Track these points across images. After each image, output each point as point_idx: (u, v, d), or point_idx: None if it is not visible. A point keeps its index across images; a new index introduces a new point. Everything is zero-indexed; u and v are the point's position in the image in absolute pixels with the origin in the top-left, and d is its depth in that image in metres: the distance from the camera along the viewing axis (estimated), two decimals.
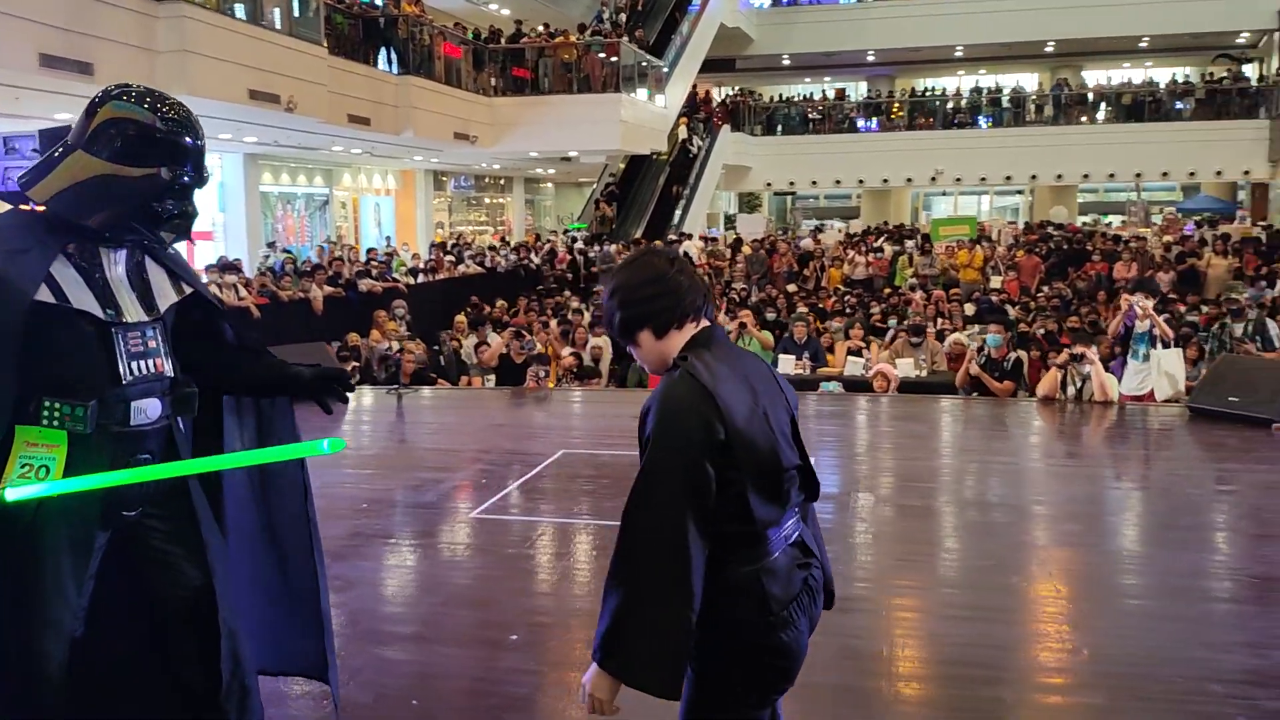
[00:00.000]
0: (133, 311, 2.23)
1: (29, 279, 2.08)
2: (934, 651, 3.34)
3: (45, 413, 2.12)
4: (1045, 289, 14.93)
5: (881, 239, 19.41)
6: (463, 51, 18.34)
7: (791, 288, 16.27)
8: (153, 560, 2.31)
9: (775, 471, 1.98)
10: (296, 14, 13.56)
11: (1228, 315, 8.00)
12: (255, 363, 2.57)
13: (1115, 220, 27.32)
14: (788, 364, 9.21)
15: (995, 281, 15.72)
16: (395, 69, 16.58)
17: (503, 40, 19.71)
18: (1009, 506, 4.90)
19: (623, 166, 23.13)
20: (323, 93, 14.02)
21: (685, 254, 17.99)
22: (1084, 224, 24.79)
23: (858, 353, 9.33)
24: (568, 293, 16.12)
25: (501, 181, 26.53)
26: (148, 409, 2.23)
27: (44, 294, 2.10)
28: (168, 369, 2.29)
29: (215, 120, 12.81)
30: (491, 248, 18.86)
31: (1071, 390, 7.30)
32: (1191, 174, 25.64)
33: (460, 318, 13.13)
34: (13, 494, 2.05)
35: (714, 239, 18.79)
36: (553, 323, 11.96)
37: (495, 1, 23.19)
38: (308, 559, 2.68)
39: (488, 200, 26.58)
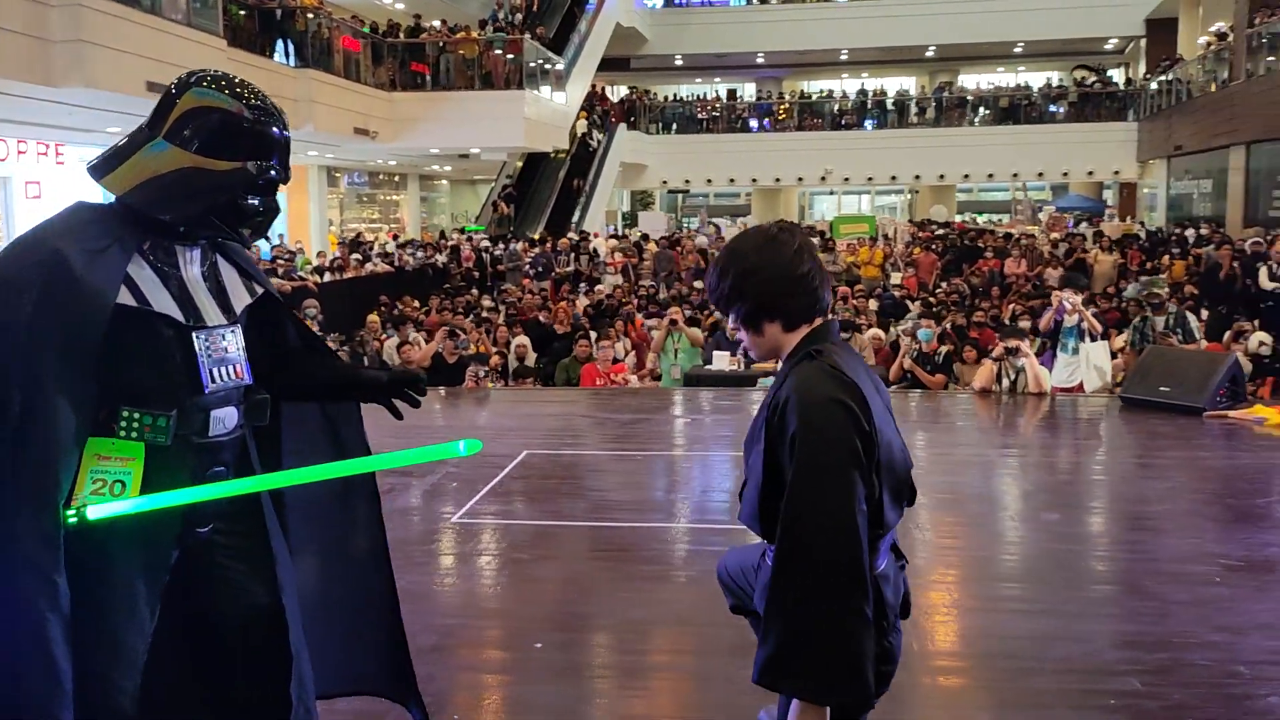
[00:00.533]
0: (211, 314, 2.09)
1: (110, 281, 1.94)
2: (971, 643, 3.46)
3: (123, 423, 1.98)
4: (943, 285, 15.45)
5: None
6: (361, 45, 17.95)
7: (698, 284, 16.45)
8: (217, 578, 2.17)
9: (905, 473, 1.96)
10: (195, 3, 13.07)
11: (1148, 309, 8.45)
12: (324, 365, 2.41)
13: (996, 218, 28.45)
14: (723, 360, 9.31)
15: (895, 278, 16.19)
16: (293, 62, 16.13)
17: (401, 35, 19.34)
18: (984, 498, 5.08)
19: (520, 165, 22.99)
20: None
21: (595, 250, 18.05)
22: (966, 221, 25.75)
23: None
24: (475, 291, 15.95)
25: (396, 178, 26.05)
26: (225, 418, 2.10)
27: (124, 296, 1.95)
28: (246, 375, 2.15)
29: (109, 114, 12.29)
30: (400, 245, 18.48)
31: (1006, 382, 7.61)
32: (1065, 174, 26.92)
33: (373, 317, 12.86)
34: (95, 511, 1.91)
35: (623, 236, 18.84)
36: (466, 322, 11.81)
37: None
38: (383, 570, 2.56)
39: (381, 197, 26.06)
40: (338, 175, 23.60)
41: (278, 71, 15.59)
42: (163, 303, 2.01)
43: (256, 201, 2.06)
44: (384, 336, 11.95)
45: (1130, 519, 4.58)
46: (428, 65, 19.23)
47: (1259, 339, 8.57)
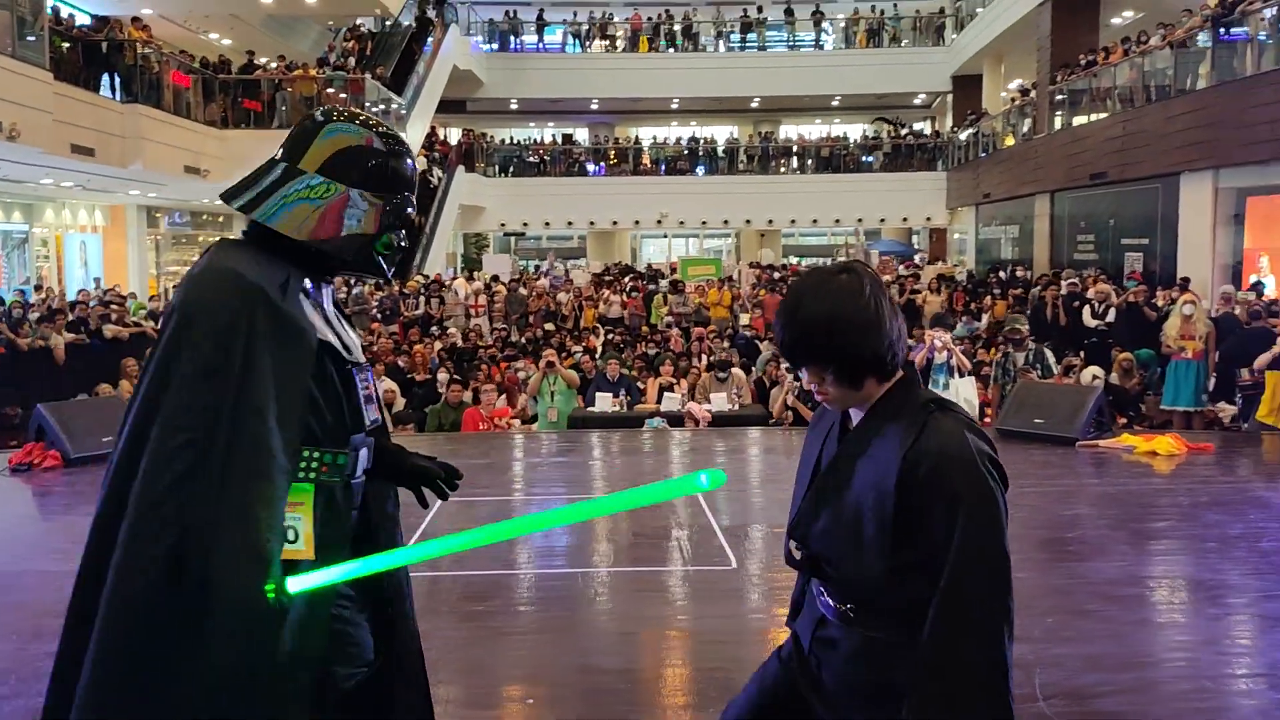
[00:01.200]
0: (355, 351, 2.04)
1: (304, 317, 1.87)
2: None
3: (302, 464, 1.86)
4: None
5: (628, 278, 20.08)
6: (192, 81, 17.18)
7: (549, 326, 16.46)
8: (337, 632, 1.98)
9: None
10: (19, 35, 12.24)
11: (1009, 345, 9.00)
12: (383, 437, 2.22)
13: (822, 261, 29.66)
14: (605, 401, 9.34)
15: (744, 319, 16.67)
16: (120, 96, 15.30)
17: (233, 70, 18.64)
18: None
19: None
20: (47, 120, 12.73)
21: (455, 291, 17.76)
22: (798, 264, 26.81)
23: (669, 388, 9.61)
24: None
25: (220, 219, 24.92)
26: (365, 459, 2.01)
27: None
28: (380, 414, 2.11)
29: None
30: None
31: None
32: (883, 220, 28.44)
33: None
34: (295, 584, 1.77)
35: (471, 278, 18.65)
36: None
37: (215, 31, 21.92)
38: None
39: (202, 238, 24.85)
40: (158, 215, 22.41)
41: (105, 107, 14.77)
42: (331, 339, 1.96)
43: (402, 235, 2.07)
44: None
45: (1050, 545, 4.85)
46: (261, 103, 18.61)
47: (1091, 373, 9.25)
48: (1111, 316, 13.27)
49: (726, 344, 14.56)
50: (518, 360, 13.35)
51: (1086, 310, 13.37)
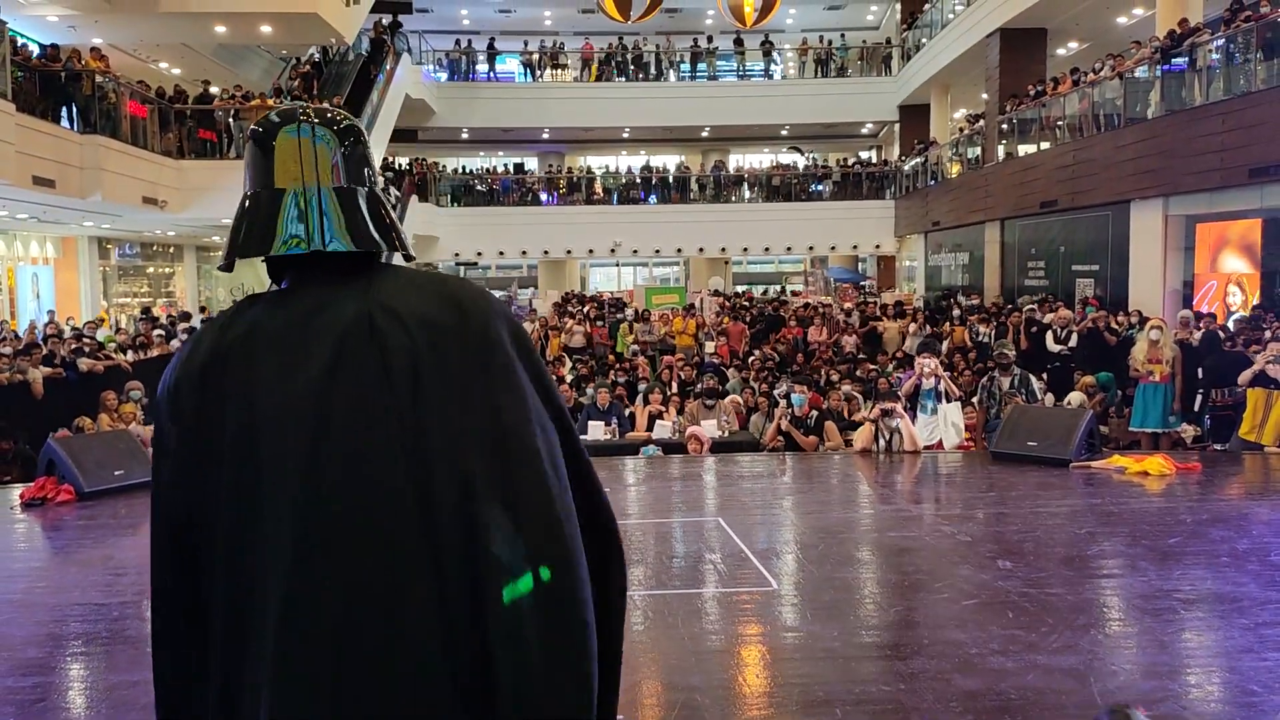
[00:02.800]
0: None
1: None
2: (1029, 682, 3.69)
3: None
4: (756, 352, 16.18)
5: (587, 306, 20.14)
6: (149, 111, 16.95)
7: None
8: None
9: None
10: None
11: (996, 369, 9.20)
12: None
13: (774, 288, 30.07)
14: (597, 429, 9.36)
15: (709, 346, 16.79)
16: (77, 127, 15.06)
17: (189, 100, 18.44)
18: (935, 551, 5.38)
19: None
20: (10, 151, 12.53)
21: None
22: (753, 291, 27.13)
23: (659, 416, 9.68)
24: None
25: (171, 249, 24.53)
26: None
27: None
28: None
29: None
30: (204, 321, 17.36)
31: (883, 442, 8.10)
32: (833, 247, 28.87)
33: None
34: None
35: None
36: None
37: (165, 60, 21.67)
38: None
39: (152, 269, 24.43)
40: (109, 246, 22.01)
41: (64, 137, 14.55)
42: None
43: None
44: None
45: (1075, 563, 4.99)
46: (216, 132, 18.43)
47: (1078, 397, 9.52)
48: (1073, 341, 13.61)
49: (695, 372, 14.71)
50: None
51: (1049, 335, 13.73)
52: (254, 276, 28.13)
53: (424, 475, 1.47)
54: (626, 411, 10.30)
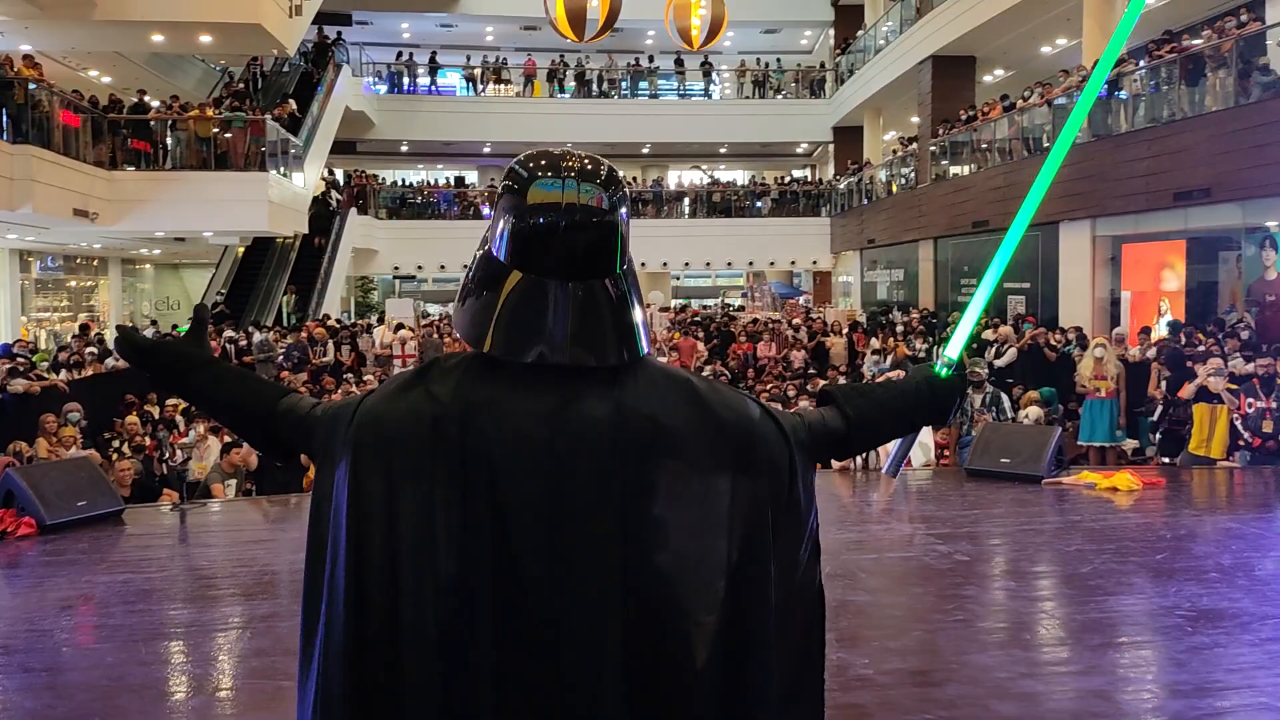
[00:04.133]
0: None
1: None
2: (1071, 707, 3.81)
3: None
4: (708, 368, 16.31)
5: None
6: (81, 120, 16.50)
7: None
8: None
9: None
10: None
11: (969, 387, 9.42)
12: None
13: (713, 302, 30.42)
14: None
15: (660, 362, 16.88)
16: (8, 137, 14.58)
17: (124, 109, 17.98)
18: (934, 571, 5.51)
19: (241, 251, 21.79)
20: None
21: (373, 338, 17.40)
22: (705, 307, 27.42)
23: None
24: None
25: (96, 262, 23.83)
26: None
27: None
28: None
29: None
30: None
31: (859, 460, 8.25)
32: (772, 263, 29.29)
33: (133, 419, 11.75)
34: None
35: (401, 324, 18.31)
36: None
37: (96, 68, 21.10)
38: None
39: (74, 283, 23.70)
40: (30, 260, 21.31)
41: None
42: None
43: None
44: (149, 440, 10.96)
45: (1073, 582, 5.16)
46: (150, 143, 18.00)
47: (1035, 413, 9.81)
48: (1012, 356, 14.01)
49: None
50: None
51: (990, 351, 14.12)
52: (180, 290, 27.55)
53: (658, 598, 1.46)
54: None
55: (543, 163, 1.52)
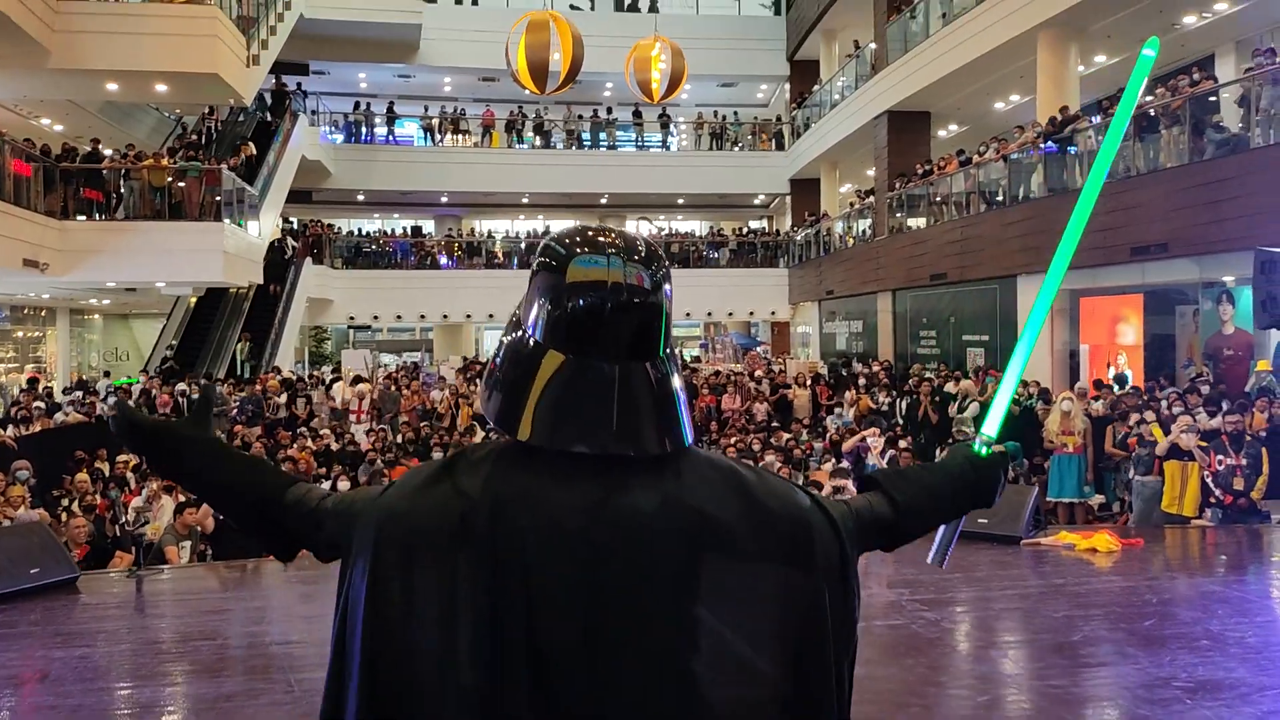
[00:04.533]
0: None
1: None
2: None
3: None
4: None
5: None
6: (33, 170, 16.17)
7: (424, 426, 16.08)
8: None
9: None
10: None
11: (956, 444, 9.33)
12: None
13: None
14: None
15: (701, 450, 16.72)
16: None
17: (79, 159, 17.66)
18: (924, 641, 5.39)
19: (193, 301, 21.40)
20: None
21: (330, 394, 17.07)
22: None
23: None
24: None
25: (44, 313, 23.29)
26: None
27: None
28: None
29: None
30: (91, 391, 16.45)
31: None
32: (730, 314, 29.37)
33: (83, 476, 11.37)
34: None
35: (360, 377, 17.99)
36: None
37: (48, 116, 20.77)
38: None
39: (21, 333, 23.14)
40: None
41: None
42: None
43: None
44: (100, 499, 10.60)
45: (1065, 651, 5.07)
46: (103, 192, 17.69)
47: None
48: (975, 410, 14.04)
49: None
50: (405, 462, 12.98)
51: (953, 407, 14.18)
52: (129, 340, 26.99)
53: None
54: None
55: (579, 239, 1.46)
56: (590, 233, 1.47)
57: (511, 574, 1.34)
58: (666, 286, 1.49)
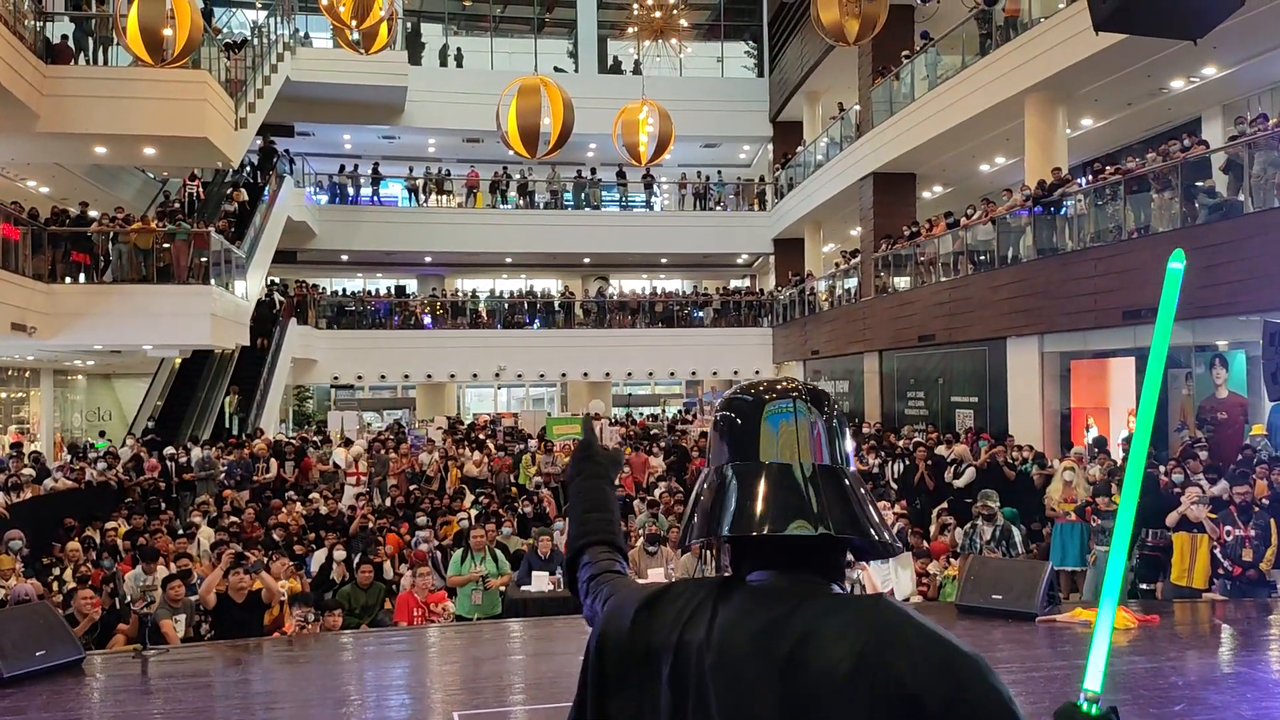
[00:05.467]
0: None
1: None
2: None
3: None
4: (661, 484, 16.05)
5: (481, 434, 19.77)
6: (21, 233, 16.05)
7: (413, 489, 15.89)
8: None
9: None
10: None
11: (980, 519, 9.34)
12: None
13: (657, 411, 30.35)
14: (541, 580, 9.03)
15: None
16: None
17: (68, 222, 17.56)
18: None
19: (178, 361, 21.21)
20: None
21: (335, 464, 16.85)
22: (646, 416, 27.28)
23: None
24: (170, 511, 14.25)
25: (28, 374, 23.00)
26: None
27: None
28: None
29: None
30: (80, 457, 16.18)
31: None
32: (715, 373, 29.37)
33: (74, 545, 11.14)
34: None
35: (350, 439, 17.81)
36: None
37: (34, 179, 20.67)
38: None
39: (3, 395, 22.81)
40: None
41: None
42: None
43: None
44: (94, 568, 10.40)
45: None
46: (91, 255, 17.59)
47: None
48: (971, 475, 13.98)
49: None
50: (396, 528, 12.78)
51: (949, 471, 14.13)
52: (112, 400, 26.65)
53: None
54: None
55: (764, 387, 1.55)
56: (772, 383, 1.59)
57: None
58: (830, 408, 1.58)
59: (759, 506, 1.43)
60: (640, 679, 1.48)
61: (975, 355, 18.51)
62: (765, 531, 1.42)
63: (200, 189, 21.33)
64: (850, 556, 1.57)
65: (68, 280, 17.12)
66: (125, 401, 25.69)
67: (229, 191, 21.49)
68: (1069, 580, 10.82)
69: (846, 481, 1.48)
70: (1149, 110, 17.96)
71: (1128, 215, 14.45)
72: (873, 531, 1.46)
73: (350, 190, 28.62)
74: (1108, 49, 13.76)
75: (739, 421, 1.51)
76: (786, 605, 1.41)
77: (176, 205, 21.46)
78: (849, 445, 1.54)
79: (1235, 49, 14.90)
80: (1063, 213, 15.94)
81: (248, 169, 23.30)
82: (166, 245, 17.74)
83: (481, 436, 19.85)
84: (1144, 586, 9.47)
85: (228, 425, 19.78)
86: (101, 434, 20.44)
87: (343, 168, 28.81)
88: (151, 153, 18.53)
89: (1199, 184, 13.05)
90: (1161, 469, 11.21)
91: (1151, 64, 15.33)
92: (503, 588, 9.38)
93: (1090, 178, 16.04)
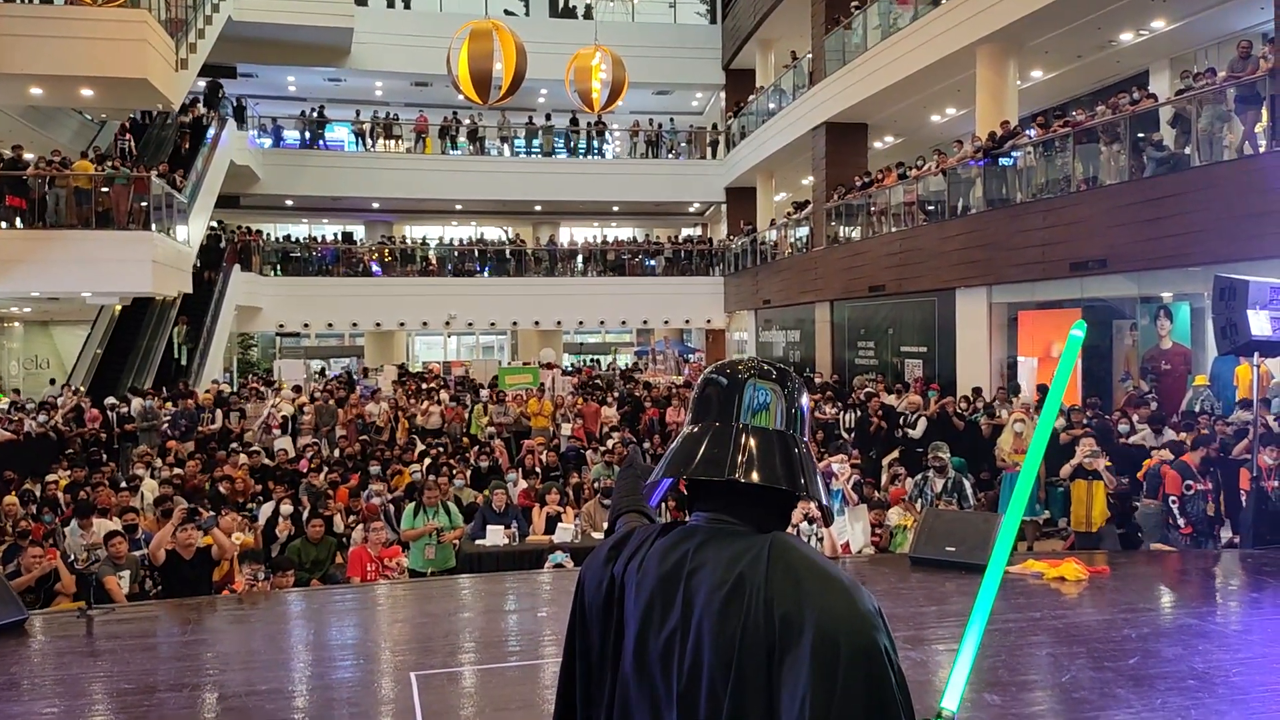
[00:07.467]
0: None
1: None
2: None
3: None
4: (615, 435, 16.04)
5: (432, 384, 19.56)
6: None
7: (363, 439, 15.72)
8: None
9: None
10: None
11: (931, 471, 9.39)
12: None
13: (605, 358, 30.29)
14: (496, 534, 8.97)
15: (566, 429, 16.57)
16: None
17: (1, 167, 16.91)
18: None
19: (118, 309, 20.69)
20: None
21: (274, 410, 16.56)
22: (595, 362, 27.21)
23: (558, 518, 9.37)
24: (113, 464, 13.94)
25: None
26: None
27: None
28: None
29: None
30: (19, 408, 15.75)
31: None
32: (666, 321, 29.34)
33: (11, 499, 10.88)
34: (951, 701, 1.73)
35: (297, 388, 17.50)
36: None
37: None
38: None
39: None
40: None
41: None
42: None
43: None
44: (34, 523, 10.16)
45: (1054, 693, 5.08)
46: (27, 200, 16.97)
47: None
48: (924, 426, 14.14)
49: (556, 455, 14.47)
50: (346, 481, 12.61)
51: (902, 420, 14.26)
52: (50, 348, 25.98)
53: None
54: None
55: (741, 366, 1.79)
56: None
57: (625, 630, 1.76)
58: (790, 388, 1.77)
59: (693, 457, 1.65)
60: (605, 610, 1.71)
61: (924, 305, 18.63)
62: (681, 474, 1.65)
63: (132, 143, 20.62)
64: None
65: (3, 225, 16.54)
66: (64, 349, 25.02)
67: (180, 135, 20.86)
68: (1020, 530, 11.00)
69: (784, 443, 1.66)
70: (1098, 63, 18.04)
71: (1076, 167, 14.52)
72: (791, 484, 1.61)
73: (305, 133, 27.91)
74: (1059, 0, 13.73)
75: (708, 391, 1.73)
76: (698, 540, 1.63)
77: (119, 150, 20.81)
78: (805, 416, 1.72)
79: (1184, 2, 14.96)
80: (1012, 164, 15.98)
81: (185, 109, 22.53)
82: (106, 190, 17.19)
83: (434, 386, 19.65)
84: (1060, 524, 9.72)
85: (175, 355, 19.39)
86: (52, 381, 19.90)
87: (303, 113, 28.05)
88: (89, 94, 17.90)
89: (1147, 137, 13.13)
90: (1108, 417, 11.42)
91: (1101, 16, 15.36)
92: (456, 541, 9.31)
93: (1038, 130, 16.09)
